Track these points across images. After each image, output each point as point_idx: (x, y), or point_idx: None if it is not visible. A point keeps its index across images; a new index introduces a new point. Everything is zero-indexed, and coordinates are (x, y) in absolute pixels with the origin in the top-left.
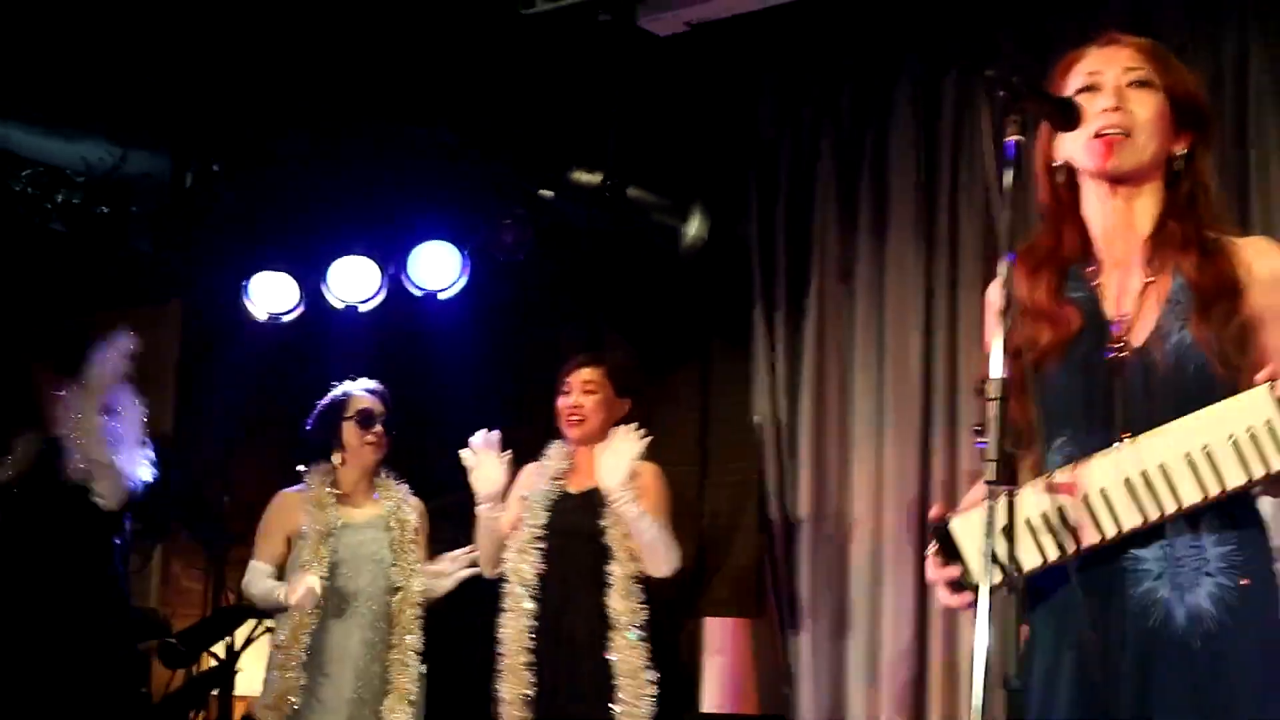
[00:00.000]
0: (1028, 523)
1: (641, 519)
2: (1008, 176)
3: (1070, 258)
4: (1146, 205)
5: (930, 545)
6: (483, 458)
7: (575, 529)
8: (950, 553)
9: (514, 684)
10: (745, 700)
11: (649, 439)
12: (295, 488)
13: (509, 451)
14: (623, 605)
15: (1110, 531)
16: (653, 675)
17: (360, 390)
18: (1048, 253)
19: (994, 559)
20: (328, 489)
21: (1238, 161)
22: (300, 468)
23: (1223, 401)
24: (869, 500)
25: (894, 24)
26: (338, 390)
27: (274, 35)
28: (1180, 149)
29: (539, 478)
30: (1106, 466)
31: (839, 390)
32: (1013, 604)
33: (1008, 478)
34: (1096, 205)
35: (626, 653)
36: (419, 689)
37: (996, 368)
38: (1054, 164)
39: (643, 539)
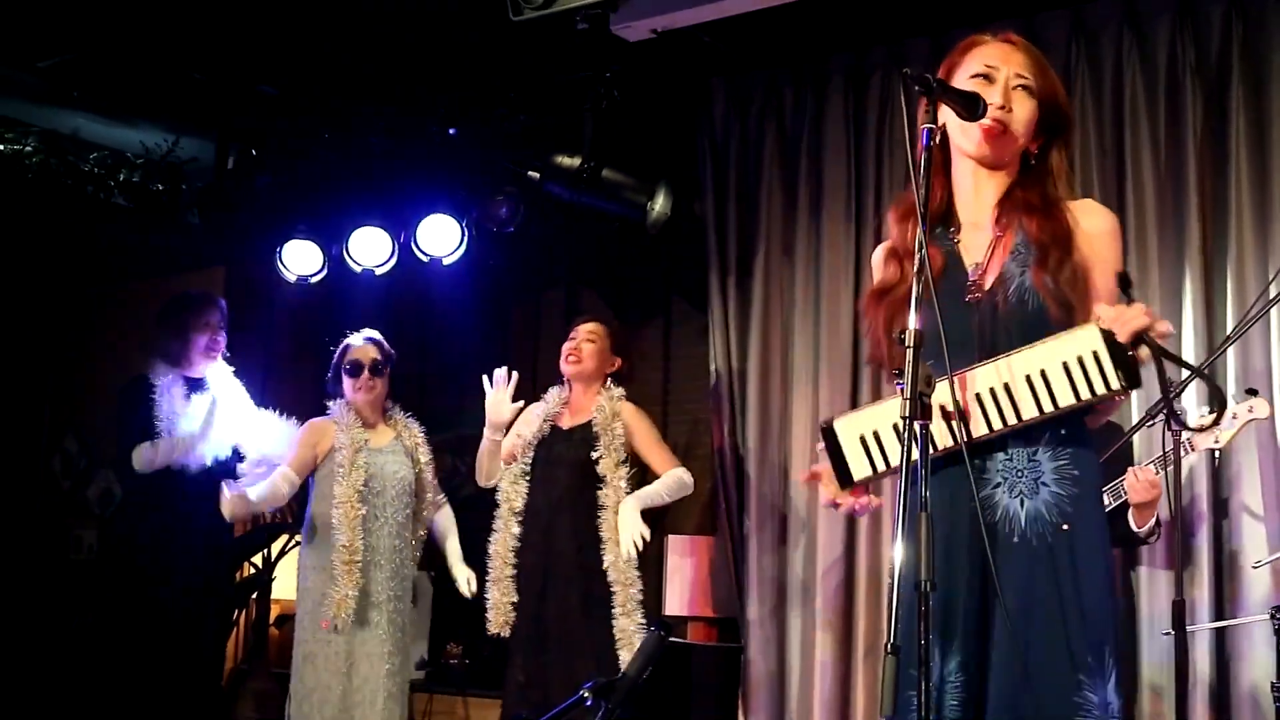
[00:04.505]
0: (895, 427)
1: (651, 499)
2: (924, 158)
3: (937, 211)
4: (1001, 181)
5: (819, 443)
6: (498, 391)
7: (562, 459)
8: (833, 448)
9: (501, 592)
10: (703, 604)
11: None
12: (324, 417)
13: (520, 402)
14: (617, 525)
15: (961, 438)
16: (640, 585)
17: (358, 340)
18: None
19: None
20: (351, 415)
21: (1116, 159)
22: (327, 402)
23: (1056, 335)
24: (806, 435)
25: (826, 35)
26: (345, 342)
27: (306, 42)
28: (1036, 146)
29: (536, 417)
30: (966, 384)
31: (781, 343)
32: (925, 520)
33: (922, 413)
34: (962, 176)
35: (622, 566)
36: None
37: (912, 321)
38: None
39: (665, 501)
